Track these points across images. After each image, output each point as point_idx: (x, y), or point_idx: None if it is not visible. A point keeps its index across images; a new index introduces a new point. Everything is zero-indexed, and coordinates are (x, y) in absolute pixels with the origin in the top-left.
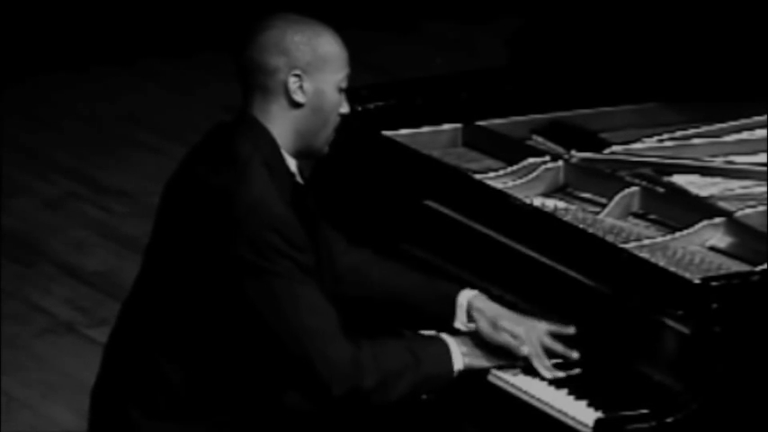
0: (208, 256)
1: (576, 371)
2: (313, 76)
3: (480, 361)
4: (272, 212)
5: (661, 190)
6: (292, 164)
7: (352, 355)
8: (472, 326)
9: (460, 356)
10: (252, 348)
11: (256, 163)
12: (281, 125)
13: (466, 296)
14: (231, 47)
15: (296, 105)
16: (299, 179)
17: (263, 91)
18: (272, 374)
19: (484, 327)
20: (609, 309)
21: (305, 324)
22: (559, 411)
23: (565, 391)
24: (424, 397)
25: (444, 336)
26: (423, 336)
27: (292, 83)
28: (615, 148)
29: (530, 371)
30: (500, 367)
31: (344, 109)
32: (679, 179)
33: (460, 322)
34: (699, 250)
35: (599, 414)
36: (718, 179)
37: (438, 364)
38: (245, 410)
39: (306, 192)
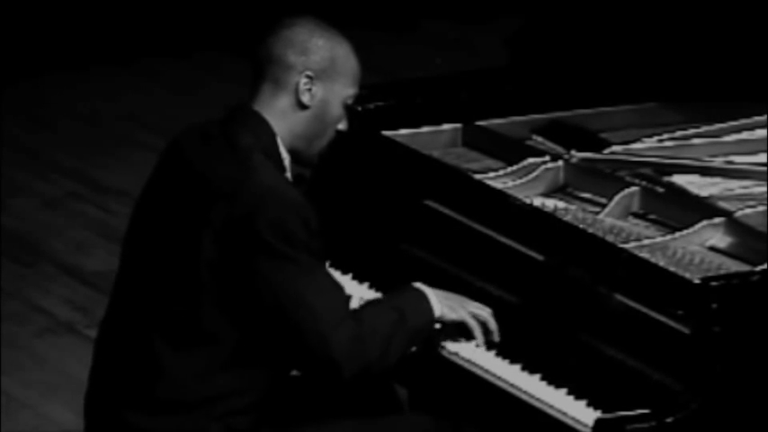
0: (217, 241)
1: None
2: (324, 83)
3: (451, 312)
4: (289, 197)
5: (661, 190)
6: (286, 159)
7: (357, 333)
8: None
9: (438, 303)
10: (252, 335)
11: (258, 153)
12: (283, 121)
13: None
14: (231, 47)
15: (301, 106)
16: (288, 175)
17: (274, 84)
18: (273, 361)
19: None
20: (609, 308)
21: (316, 306)
22: (559, 411)
23: (564, 390)
24: (414, 349)
25: (418, 285)
26: (401, 290)
27: (303, 83)
28: (615, 148)
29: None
30: (459, 333)
31: (343, 125)
32: (679, 179)
33: None
34: (699, 250)
35: (599, 414)
36: (718, 179)
37: (421, 315)
38: (244, 400)
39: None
